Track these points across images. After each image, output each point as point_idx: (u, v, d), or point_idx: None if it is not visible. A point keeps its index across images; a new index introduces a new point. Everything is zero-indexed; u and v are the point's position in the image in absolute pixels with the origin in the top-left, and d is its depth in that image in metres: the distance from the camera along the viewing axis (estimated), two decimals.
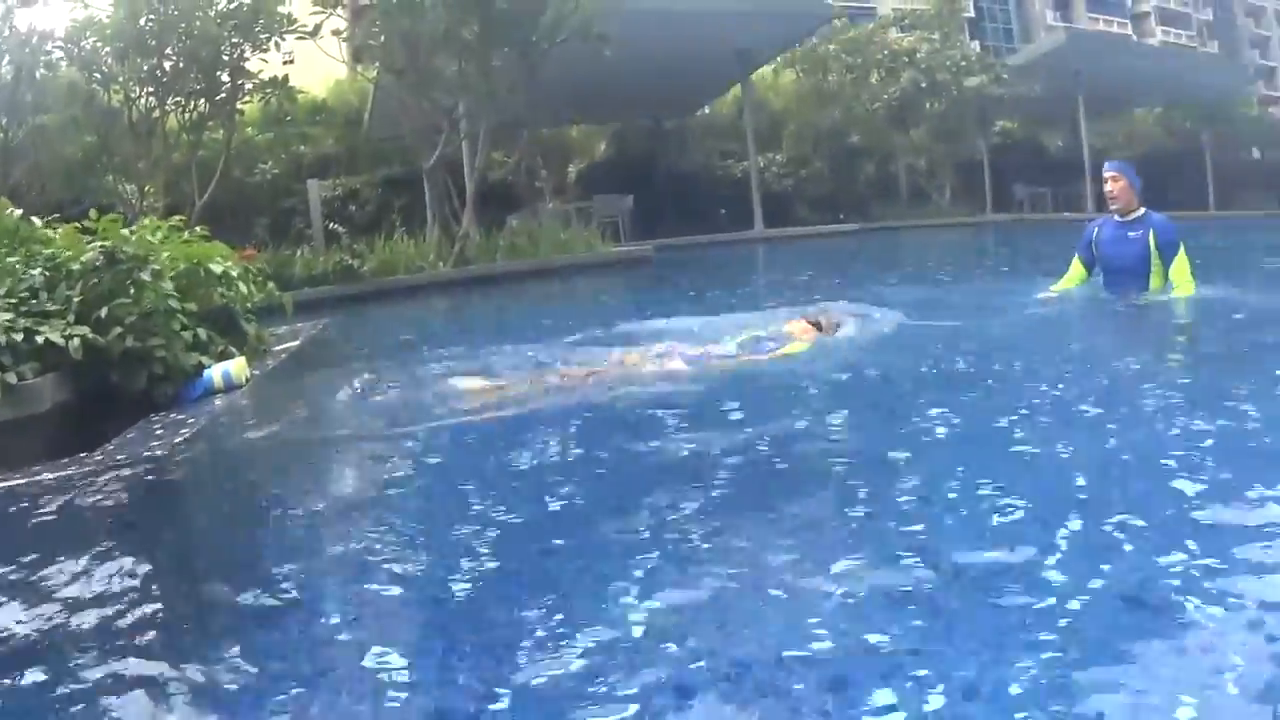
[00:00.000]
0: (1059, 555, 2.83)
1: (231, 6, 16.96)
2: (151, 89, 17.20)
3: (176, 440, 4.76)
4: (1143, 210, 8.23)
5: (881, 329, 7.71)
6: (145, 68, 16.81)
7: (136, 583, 3.03)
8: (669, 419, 5.19)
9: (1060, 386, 5.53)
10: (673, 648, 2.40)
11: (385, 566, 3.11)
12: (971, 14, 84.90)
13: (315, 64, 20.30)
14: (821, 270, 17.45)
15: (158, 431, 5.04)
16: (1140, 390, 5.30)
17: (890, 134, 34.45)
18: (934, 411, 4.79)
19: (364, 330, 12.39)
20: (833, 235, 27.82)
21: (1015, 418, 4.70)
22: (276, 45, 17.62)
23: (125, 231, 6.42)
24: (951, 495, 3.50)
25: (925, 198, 35.95)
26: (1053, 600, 2.51)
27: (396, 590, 2.93)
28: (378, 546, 3.33)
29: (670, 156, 32.68)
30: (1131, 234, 8.15)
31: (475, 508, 3.71)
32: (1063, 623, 2.38)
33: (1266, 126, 56.79)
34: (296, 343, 8.31)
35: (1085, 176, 36.35)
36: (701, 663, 2.32)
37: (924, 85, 32.58)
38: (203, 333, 6.53)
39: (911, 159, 36.29)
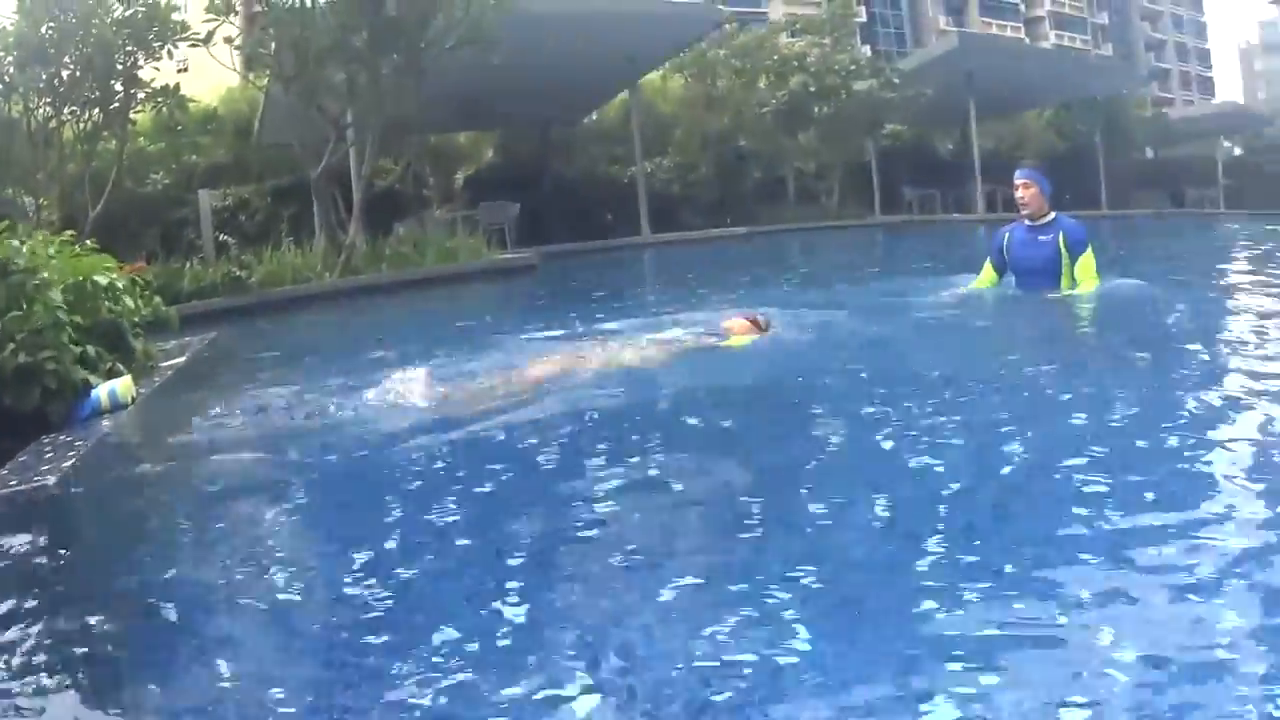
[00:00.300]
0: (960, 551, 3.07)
1: (127, 14, 17.02)
2: (49, 98, 17.34)
3: (65, 464, 4.75)
4: (1053, 215, 8.65)
5: (811, 329, 8.27)
6: (44, 76, 16.98)
7: (29, 616, 3.09)
8: (609, 421, 5.49)
9: (985, 382, 6.05)
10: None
11: (276, 595, 3.15)
12: (863, 19, 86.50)
13: (208, 72, 20.31)
14: (711, 274, 17.90)
15: (48, 455, 5.05)
16: (1052, 382, 5.91)
17: (779, 138, 35.30)
18: (862, 406, 5.45)
19: (252, 344, 12.22)
20: (721, 239, 28.44)
21: (937, 410, 5.18)
22: (169, 53, 17.74)
23: (15, 243, 6.47)
24: (876, 487, 3.84)
25: (813, 201, 36.66)
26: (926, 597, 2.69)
27: (283, 619, 2.99)
28: (268, 575, 3.34)
29: (558, 162, 33.29)
30: (1042, 238, 8.56)
31: (370, 529, 3.71)
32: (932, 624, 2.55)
33: (1161, 127, 58.80)
34: (183, 359, 8.23)
35: (975, 178, 37.72)
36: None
37: (812, 89, 33.29)
38: (91, 349, 6.53)
39: (800, 162, 37.02)
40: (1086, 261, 8.41)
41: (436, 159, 32.99)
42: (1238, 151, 65.28)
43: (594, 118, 36.31)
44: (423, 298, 16.31)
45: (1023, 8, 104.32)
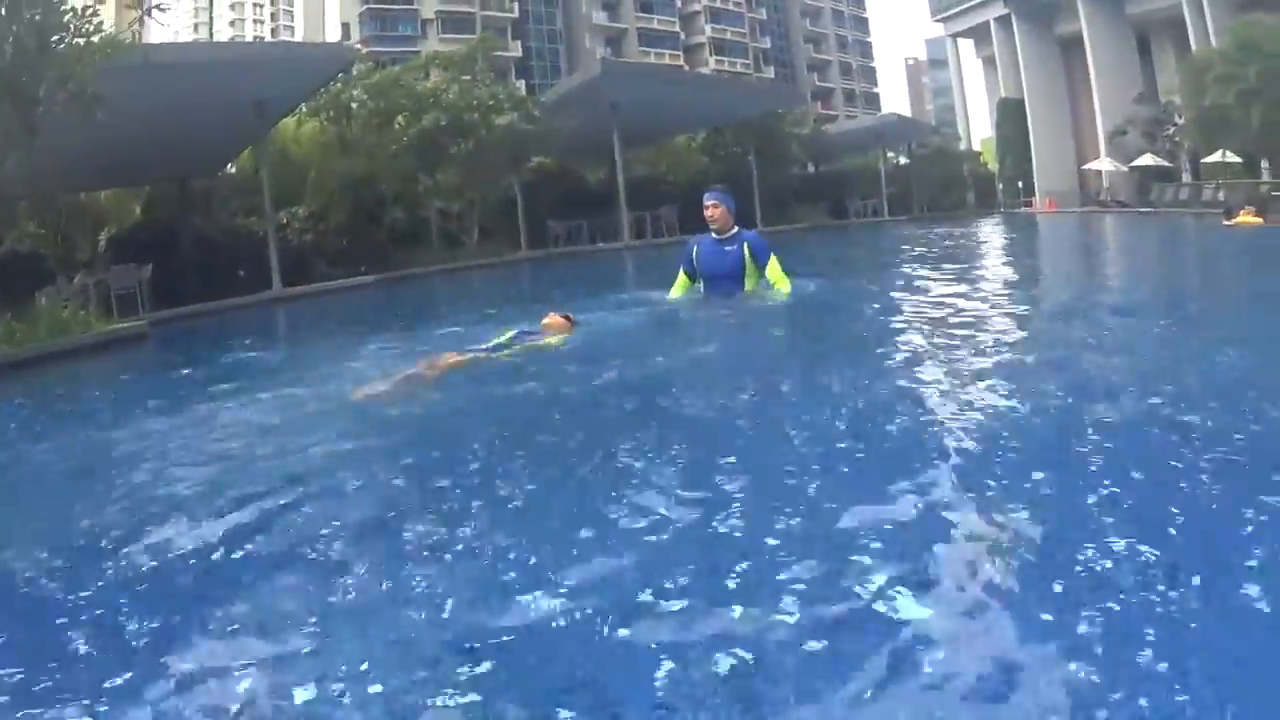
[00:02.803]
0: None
1: None
2: None
3: None
4: (737, 229, 10.49)
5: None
6: None
7: None
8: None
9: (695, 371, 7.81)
10: None
11: None
12: (518, 54, 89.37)
13: None
14: (338, 327, 18.40)
15: None
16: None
17: (417, 178, 36.34)
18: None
19: None
20: (352, 289, 29.01)
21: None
22: None
23: None
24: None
25: (458, 242, 37.74)
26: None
27: None
28: None
29: (197, 217, 33.00)
30: (728, 248, 10.33)
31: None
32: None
33: (819, 142, 64.02)
34: None
35: (621, 206, 40.15)
36: None
37: (444, 124, 34.28)
38: None
39: (441, 203, 38.21)
40: (774, 267, 10.28)
41: (82, 219, 33.09)
42: (903, 160, 70.43)
43: (232, 168, 36.55)
44: (34, 379, 14.61)
45: (682, 36, 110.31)
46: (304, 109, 34.93)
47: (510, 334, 8.66)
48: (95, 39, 18.39)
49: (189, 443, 6.31)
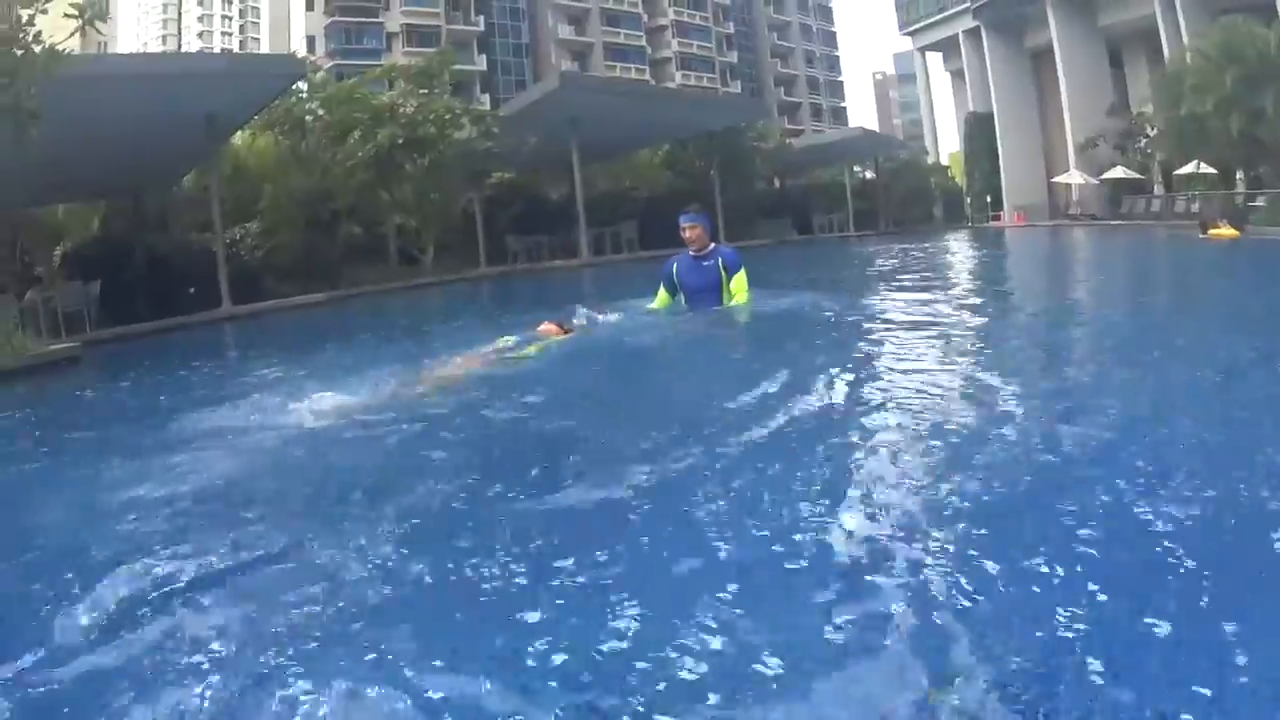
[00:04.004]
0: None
1: None
2: None
3: None
4: (713, 245, 11.18)
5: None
6: None
7: None
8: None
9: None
10: None
11: None
12: (484, 68, 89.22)
13: None
14: (294, 347, 17.46)
15: None
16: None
17: (376, 193, 35.68)
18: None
19: None
20: (303, 306, 28.47)
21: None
22: None
23: None
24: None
25: (415, 259, 37.31)
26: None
27: None
28: None
29: (150, 234, 32.49)
30: (705, 264, 11.02)
31: None
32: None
33: (784, 156, 63.18)
34: None
35: (580, 223, 39.68)
36: None
37: (401, 141, 33.77)
38: None
39: (400, 218, 37.62)
40: (740, 279, 10.94)
41: (38, 234, 32.21)
42: (869, 175, 70.04)
43: (187, 183, 35.88)
44: None
45: (649, 50, 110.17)
46: (258, 121, 34.17)
47: (511, 340, 9.40)
48: (36, 48, 17.63)
49: (75, 491, 5.85)
